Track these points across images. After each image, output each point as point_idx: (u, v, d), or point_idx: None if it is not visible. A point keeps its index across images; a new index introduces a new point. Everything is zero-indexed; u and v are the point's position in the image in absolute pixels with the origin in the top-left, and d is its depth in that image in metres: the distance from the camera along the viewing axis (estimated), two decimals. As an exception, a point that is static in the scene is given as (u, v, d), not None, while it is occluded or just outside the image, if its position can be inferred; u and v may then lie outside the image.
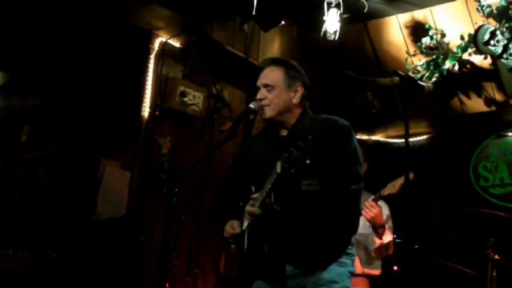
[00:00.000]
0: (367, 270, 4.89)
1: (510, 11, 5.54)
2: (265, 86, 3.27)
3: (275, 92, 3.25)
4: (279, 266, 3.12)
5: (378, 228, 4.71)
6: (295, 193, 3.07)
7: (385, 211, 4.95)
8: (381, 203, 4.87)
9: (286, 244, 3.10)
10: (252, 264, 3.19)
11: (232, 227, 3.32)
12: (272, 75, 3.29)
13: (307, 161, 2.83)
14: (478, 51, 5.80)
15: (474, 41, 5.64)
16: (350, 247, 3.22)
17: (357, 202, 3.20)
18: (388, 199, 4.89)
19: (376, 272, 4.93)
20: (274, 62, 3.39)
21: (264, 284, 3.18)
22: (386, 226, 4.82)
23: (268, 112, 3.25)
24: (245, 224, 3.23)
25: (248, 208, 3.08)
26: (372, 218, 4.65)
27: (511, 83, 5.81)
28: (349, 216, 3.16)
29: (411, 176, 4.65)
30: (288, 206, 3.08)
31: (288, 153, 2.78)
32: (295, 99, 3.28)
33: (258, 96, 3.28)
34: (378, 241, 4.75)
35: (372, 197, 4.83)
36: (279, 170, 2.80)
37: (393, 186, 4.74)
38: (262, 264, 3.15)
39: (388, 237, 4.80)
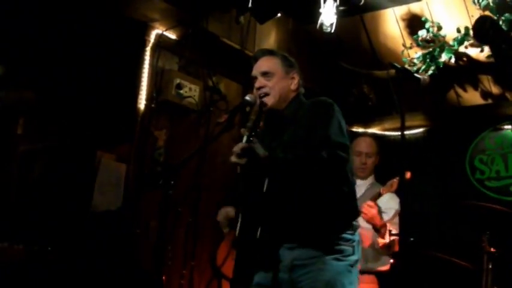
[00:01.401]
0: (375, 267, 4.86)
1: (508, 3, 5.55)
2: (264, 73, 3.28)
3: (274, 79, 3.27)
4: (273, 253, 3.09)
5: (378, 229, 4.68)
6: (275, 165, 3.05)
7: (394, 205, 4.90)
8: (391, 196, 4.83)
9: (277, 222, 3.08)
10: (249, 256, 3.18)
11: (226, 212, 3.33)
12: (269, 63, 3.31)
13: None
14: (478, 42, 5.80)
15: (474, 31, 5.63)
16: (351, 231, 3.13)
17: (337, 166, 3.07)
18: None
19: (384, 267, 4.90)
20: (269, 52, 3.43)
21: (263, 273, 3.16)
22: (392, 222, 4.80)
23: (269, 101, 3.26)
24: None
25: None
26: (369, 219, 4.63)
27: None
28: (331, 179, 3.08)
29: (408, 175, 4.67)
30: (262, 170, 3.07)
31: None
32: (293, 86, 3.32)
33: (257, 84, 3.28)
34: (381, 241, 4.72)
35: (380, 187, 4.80)
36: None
37: (391, 185, 4.75)
38: (257, 254, 3.13)
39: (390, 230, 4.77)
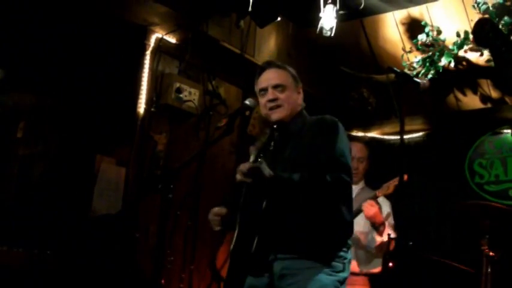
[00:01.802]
0: (367, 270, 4.90)
1: (507, 7, 5.56)
2: (277, 86, 3.28)
3: (287, 92, 3.28)
4: (267, 262, 3.09)
5: (378, 227, 4.72)
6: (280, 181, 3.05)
7: (386, 208, 4.97)
8: (382, 199, 4.89)
9: (273, 236, 3.08)
10: (242, 261, 3.17)
11: (219, 209, 3.32)
12: (282, 76, 3.32)
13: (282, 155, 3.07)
14: (478, 45, 5.81)
15: (474, 34, 5.64)
16: (345, 249, 3.14)
17: (340, 190, 3.10)
18: (386, 196, 4.91)
19: (376, 270, 4.93)
20: (276, 65, 3.40)
21: (253, 278, 3.16)
22: (386, 223, 4.84)
23: (282, 113, 3.26)
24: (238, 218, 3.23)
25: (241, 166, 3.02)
26: (371, 217, 4.67)
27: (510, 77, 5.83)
28: (333, 203, 3.09)
29: (405, 177, 4.68)
30: (268, 190, 3.07)
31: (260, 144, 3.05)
32: (300, 100, 3.35)
33: (270, 97, 3.27)
34: (378, 239, 4.76)
35: (371, 193, 4.84)
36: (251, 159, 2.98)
37: (387, 188, 4.77)
38: (251, 260, 3.13)
39: (388, 234, 4.81)
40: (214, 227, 3.37)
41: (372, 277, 4.91)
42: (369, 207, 4.66)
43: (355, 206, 4.67)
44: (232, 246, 3.15)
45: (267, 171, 2.96)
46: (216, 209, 3.35)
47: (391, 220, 4.93)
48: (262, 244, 3.07)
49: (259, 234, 3.08)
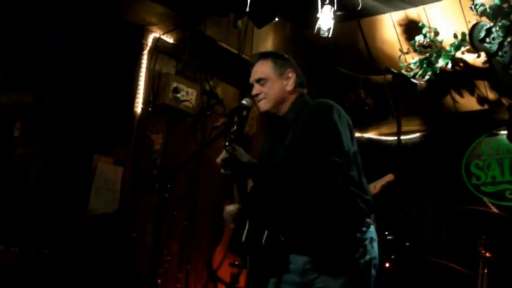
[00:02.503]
0: None
1: (504, 9, 5.56)
2: (258, 80, 3.29)
3: (268, 83, 3.27)
4: (283, 258, 3.07)
5: None
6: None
7: None
8: None
9: (285, 230, 3.06)
10: (259, 263, 3.15)
11: (234, 208, 3.30)
12: (262, 69, 3.31)
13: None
14: (473, 49, 5.82)
15: (470, 38, 5.66)
16: (361, 230, 3.03)
17: (330, 171, 2.97)
18: (380, 196, 4.91)
19: None
20: (262, 56, 3.40)
21: (276, 279, 3.12)
22: None
23: (265, 105, 3.27)
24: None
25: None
26: None
27: (506, 80, 5.83)
28: (331, 186, 3.00)
29: (391, 177, 4.69)
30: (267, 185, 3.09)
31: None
32: (289, 86, 3.29)
33: (253, 92, 3.30)
34: None
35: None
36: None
37: (374, 187, 4.77)
38: (266, 260, 3.11)
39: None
40: (228, 224, 3.36)
41: None
42: None
43: None
44: (243, 240, 3.14)
45: (245, 157, 2.99)
46: (229, 208, 3.33)
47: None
48: (272, 239, 3.06)
49: (267, 228, 3.07)
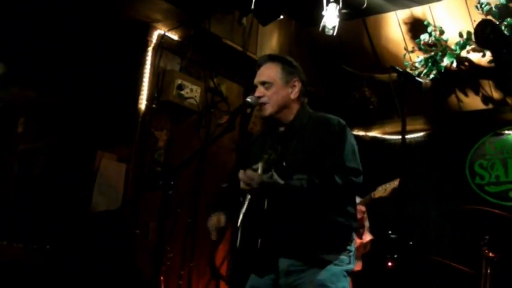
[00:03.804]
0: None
1: (510, 8, 5.55)
2: (263, 83, 3.27)
3: (273, 88, 3.26)
4: (273, 262, 3.11)
5: (358, 229, 4.74)
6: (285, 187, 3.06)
7: (362, 209, 5.00)
8: (359, 200, 4.91)
9: (280, 238, 3.10)
10: (246, 260, 3.18)
11: (218, 220, 3.30)
12: (269, 72, 3.29)
13: (284, 164, 3.04)
14: (479, 47, 5.81)
15: (476, 36, 5.64)
16: (350, 243, 3.19)
17: (350, 194, 3.19)
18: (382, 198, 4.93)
19: (358, 268, 4.96)
20: (270, 58, 3.38)
21: (257, 278, 3.18)
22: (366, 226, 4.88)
23: (268, 110, 3.25)
24: (240, 217, 3.22)
25: (248, 172, 3.03)
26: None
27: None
28: (341, 207, 3.15)
29: (397, 183, 4.72)
30: (278, 200, 3.09)
31: (268, 155, 2.96)
32: (293, 95, 3.28)
33: (256, 94, 3.28)
34: (358, 240, 4.78)
35: (360, 199, 4.86)
36: (259, 171, 2.95)
37: (384, 190, 4.78)
38: (255, 260, 3.14)
39: (368, 236, 4.85)
40: (211, 235, 3.36)
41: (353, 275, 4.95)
42: (358, 212, 4.69)
43: None
44: (237, 245, 3.14)
45: (278, 184, 3.00)
46: (214, 220, 3.31)
47: (367, 223, 5.00)
48: (267, 244, 3.10)
49: (264, 234, 3.10)
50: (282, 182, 3.00)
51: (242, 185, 3.02)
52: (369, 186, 5.13)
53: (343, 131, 3.20)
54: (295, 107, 3.30)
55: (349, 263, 3.16)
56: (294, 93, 3.29)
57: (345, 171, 3.07)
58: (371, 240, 5.08)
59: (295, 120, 3.28)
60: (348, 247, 3.17)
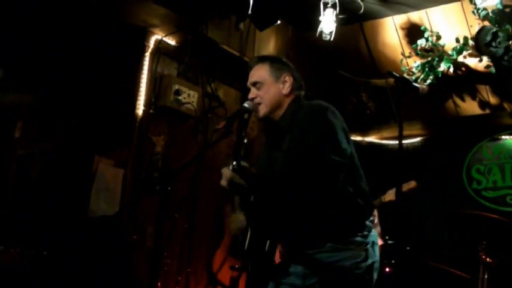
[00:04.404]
0: None
1: (506, 14, 5.57)
2: (254, 84, 3.30)
3: (264, 87, 3.27)
4: (285, 264, 3.08)
5: None
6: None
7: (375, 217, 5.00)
8: None
9: (283, 232, 3.09)
10: (260, 268, 3.15)
11: (241, 222, 3.30)
12: (258, 72, 3.32)
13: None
14: (479, 53, 5.82)
15: (476, 42, 5.66)
16: (362, 234, 3.01)
17: (336, 171, 2.93)
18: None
19: None
20: (259, 59, 3.40)
21: (274, 284, 3.11)
22: (378, 231, 4.87)
23: (262, 110, 3.27)
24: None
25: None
26: None
27: (511, 85, 5.85)
28: (328, 189, 2.95)
29: (414, 184, 4.71)
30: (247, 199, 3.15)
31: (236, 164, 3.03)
32: (285, 90, 3.28)
33: (250, 96, 3.31)
34: None
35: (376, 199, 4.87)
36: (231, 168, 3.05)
37: (394, 193, 4.77)
38: (267, 265, 3.12)
39: (379, 242, 4.85)
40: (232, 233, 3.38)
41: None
42: None
43: None
44: (245, 247, 3.14)
45: (247, 173, 3.03)
46: (239, 219, 3.33)
47: (379, 229, 4.97)
48: (274, 246, 3.08)
49: (269, 236, 3.09)
50: (250, 180, 3.01)
51: (222, 182, 3.07)
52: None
53: (318, 114, 3.10)
54: (287, 103, 3.29)
55: (366, 258, 2.98)
56: (286, 88, 3.28)
57: (312, 157, 2.94)
58: (381, 246, 5.04)
59: (283, 117, 3.26)
60: (359, 237, 3.01)
